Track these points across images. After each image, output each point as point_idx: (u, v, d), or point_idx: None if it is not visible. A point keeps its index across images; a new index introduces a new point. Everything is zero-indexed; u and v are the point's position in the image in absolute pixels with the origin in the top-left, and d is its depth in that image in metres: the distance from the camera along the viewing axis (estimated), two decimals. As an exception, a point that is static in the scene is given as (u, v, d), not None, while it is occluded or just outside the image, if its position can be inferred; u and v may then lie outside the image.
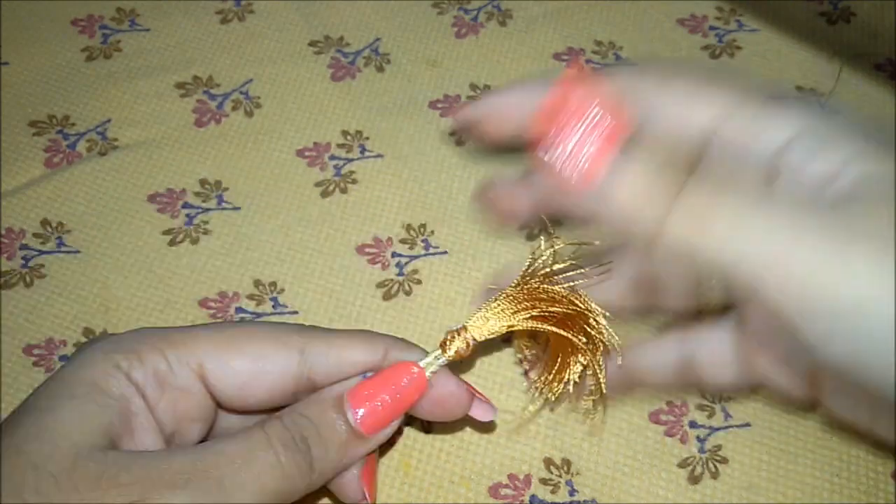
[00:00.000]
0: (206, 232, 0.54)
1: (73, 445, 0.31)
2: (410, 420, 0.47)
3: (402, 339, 0.40)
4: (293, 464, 0.34)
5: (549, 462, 0.46)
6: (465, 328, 0.39)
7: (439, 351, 0.39)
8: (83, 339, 0.49)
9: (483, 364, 0.49)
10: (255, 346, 0.37)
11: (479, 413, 0.41)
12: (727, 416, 0.47)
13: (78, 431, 0.32)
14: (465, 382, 0.40)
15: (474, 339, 0.39)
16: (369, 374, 0.38)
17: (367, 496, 0.38)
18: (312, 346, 0.37)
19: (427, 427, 0.47)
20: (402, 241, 0.53)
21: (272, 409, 0.38)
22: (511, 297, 0.40)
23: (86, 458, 0.31)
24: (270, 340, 0.37)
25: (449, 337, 0.39)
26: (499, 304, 0.39)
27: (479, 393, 0.41)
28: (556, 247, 0.40)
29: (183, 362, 0.36)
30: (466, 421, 0.41)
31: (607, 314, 0.40)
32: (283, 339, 0.37)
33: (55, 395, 0.33)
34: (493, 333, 0.39)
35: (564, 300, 0.40)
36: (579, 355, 0.40)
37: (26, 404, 0.34)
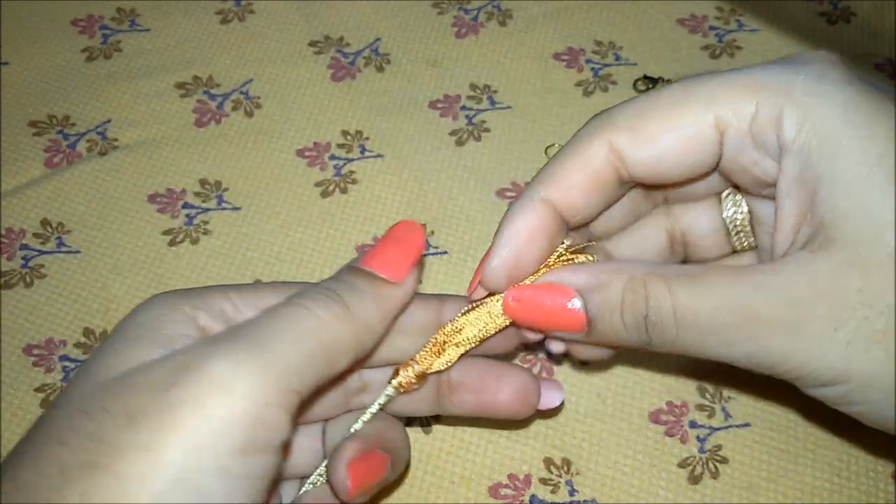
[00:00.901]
0: (206, 232, 0.54)
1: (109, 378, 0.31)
2: (410, 420, 0.47)
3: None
4: (328, 311, 0.33)
5: (549, 462, 0.46)
6: (413, 361, 0.39)
7: (389, 386, 0.39)
8: (83, 340, 0.49)
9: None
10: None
11: (547, 401, 0.41)
12: (727, 416, 0.47)
13: (124, 365, 0.31)
14: (534, 376, 0.40)
15: (422, 372, 0.39)
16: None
17: (348, 486, 0.36)
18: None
19: (427, 427, 0.47)
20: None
21: None
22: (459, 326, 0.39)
23: (114, 381, 0.30)
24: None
25: (394, 372, 0.39)
26: (446, 334, 0.39)
27: (546, 379, 0.41)
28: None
29: (250, 304, 0.35)
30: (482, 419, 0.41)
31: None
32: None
33: (110, 341, 0.32)
34: (441, 366, 0.39)
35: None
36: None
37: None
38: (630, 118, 0.36)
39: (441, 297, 0.40)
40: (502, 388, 0.39)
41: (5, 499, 0.28)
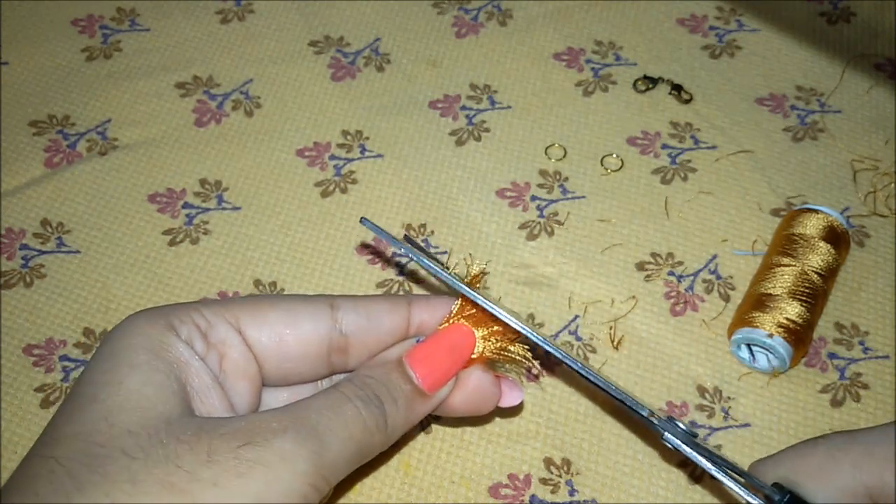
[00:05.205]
0: (206, 232, 0.54)
1: (160, 413, 0.33)
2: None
3: (421, 295, 0.42)
4: (372, 417, 0.36)
5: (549, 462, 0.46)
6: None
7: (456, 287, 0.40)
8: (83, 340, 0.49)
9: (483, 364, 0.49)
10: (287, 301, 0.39)
11: (508, 400, 0.42)
12: (727, 416, 0.47)
13: (160, 402, 0.33)
14: (495, 374, 0.41)
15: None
16: (422, 338, 0.40)
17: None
18: (340, 301, 0.40)
19: (427, 427, 0.47)
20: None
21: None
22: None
23: (178, 421, 0.33)
24: (301, 298, 0.40)
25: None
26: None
27: (506, 379, 0.42)
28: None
29: (220, 316, 0.38)
30: (472, 418, 0.41)
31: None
32: (313, 297, 0.40)
33: (115, 369, 0.34)
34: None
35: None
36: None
37: (83, 382, 0.34)
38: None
39: (409, 299, 0.41)
40: (456, 391, 0.40)
41: (63, 498, 0.30)
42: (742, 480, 0.37)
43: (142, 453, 0.31)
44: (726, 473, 0.37)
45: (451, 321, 0.40)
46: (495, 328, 0.40)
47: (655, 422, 0.38)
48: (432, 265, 0.39)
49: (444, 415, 0.41)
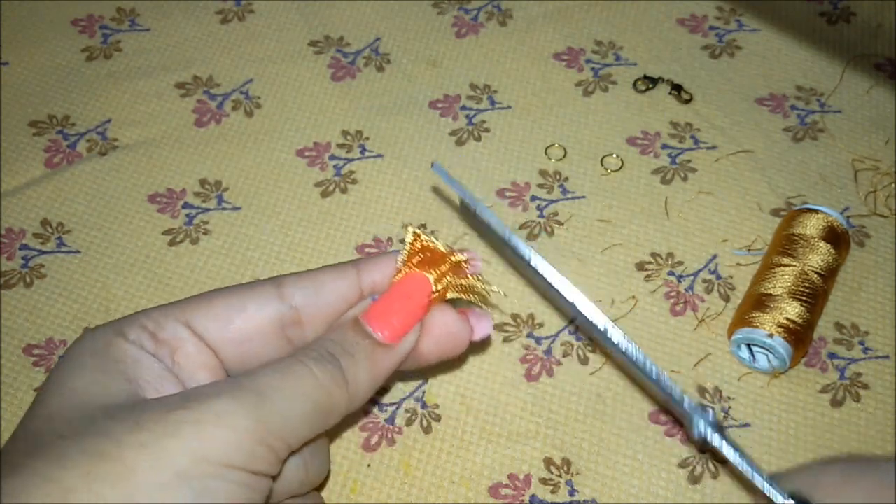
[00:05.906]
0: (206, 232, 0.54)
1: (100, 404, 0.33)
2: (410, 419, 0.47)
3: (367, 257, 0.41)
4: (326, 374, 0.35)
5: (549, 462, 0.46)
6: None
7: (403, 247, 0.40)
8: (83, 339, 0.49)
9: (483, 364, 0.49)
10: (234, 290, 0.39)
11: (479, 331, 0.41)
12: (727, 416, 0.47)
13: (102, 396, 0.33)
14: (461, 310, 0.41)
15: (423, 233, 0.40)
16: (377, 297, 0.39)
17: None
18: (285, 279, 0.39)
19: (427, 427, 0.47)
20: (402, 241, 0.53)
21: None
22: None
23: (118, 406, 0.33)
24: (248, 284, 0.40)
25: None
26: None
27: (473, 312, 0.41)
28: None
29: (167, 316, 0.38)
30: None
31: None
32: (260, 281, 0.40)
33: (64, 374, 0.35)
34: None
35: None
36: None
37: (39, 392, 0.35)
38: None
39: (356, 263, 0.41)
40: (423, 338, 0.40)
41: (4, 484, 0.30)
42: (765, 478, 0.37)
43: (73, 432, 0.31)
44: (754, 469, 0.36)
45: (401, 273, 0.39)
46: (446, 266, 0.39)
47: (685, 406, 0.37)
48: (501, 224, 0.39)
49: (422, 365, 0.40)
